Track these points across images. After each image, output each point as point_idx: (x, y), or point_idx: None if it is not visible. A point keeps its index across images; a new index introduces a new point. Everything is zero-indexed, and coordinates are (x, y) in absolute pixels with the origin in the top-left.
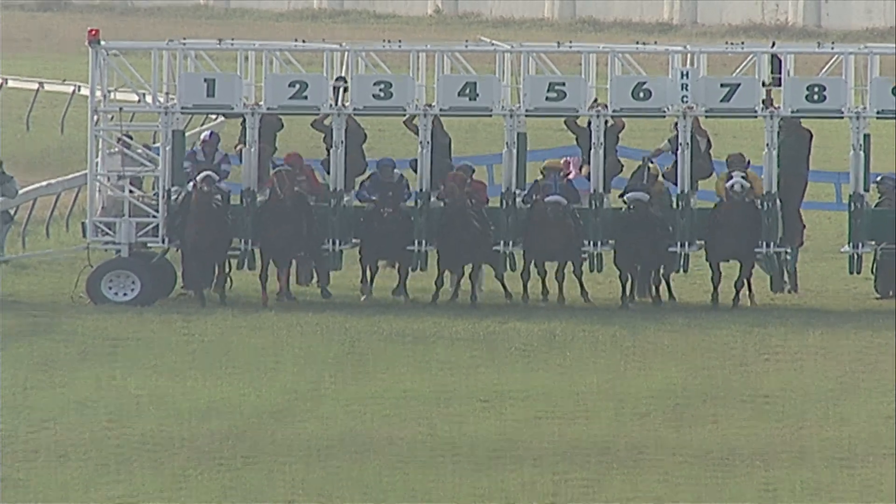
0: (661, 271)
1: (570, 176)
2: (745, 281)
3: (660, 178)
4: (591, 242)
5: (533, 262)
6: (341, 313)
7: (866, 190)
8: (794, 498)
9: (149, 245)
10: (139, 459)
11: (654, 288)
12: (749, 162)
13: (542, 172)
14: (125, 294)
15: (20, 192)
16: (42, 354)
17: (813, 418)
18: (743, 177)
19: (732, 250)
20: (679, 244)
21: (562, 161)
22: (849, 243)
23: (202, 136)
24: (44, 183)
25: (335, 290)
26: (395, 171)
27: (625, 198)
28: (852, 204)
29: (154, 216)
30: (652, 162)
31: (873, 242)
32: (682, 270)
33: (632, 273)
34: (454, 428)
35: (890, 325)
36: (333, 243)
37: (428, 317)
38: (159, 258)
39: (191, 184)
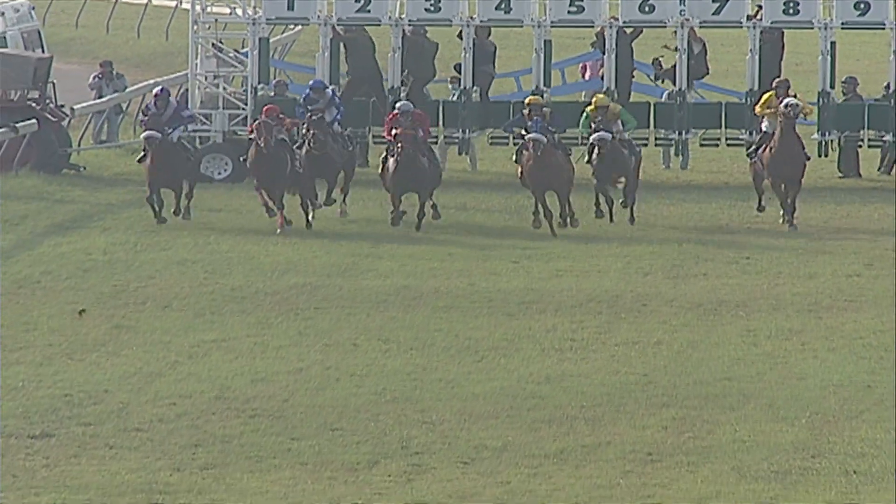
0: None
1: (587, 77)
2: (794, 197)
3: (612, 108)
4: (677, 132)
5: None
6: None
7: (832, 87)
8: (770, 341)
9: (238, 132)
10: (230, 308)
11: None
12: (789, 86)
13: (527, 106)
14: (219, 173)
15: (131, 88)
16: (149, 221)
17: (787, 274)
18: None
19: (788, 173)
20: (678, 133)
21: (580, 66)
22: (818, 132)
23: (154, 91)
24: (151, 81)
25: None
26: (327, 90)
27: (591, 139)
28: (820, 99)
29: (243, 108)
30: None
31: (836, 131)
32: (681, 157)
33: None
34: (490, 281)
35: (852, 199)
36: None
37: (469, 192)
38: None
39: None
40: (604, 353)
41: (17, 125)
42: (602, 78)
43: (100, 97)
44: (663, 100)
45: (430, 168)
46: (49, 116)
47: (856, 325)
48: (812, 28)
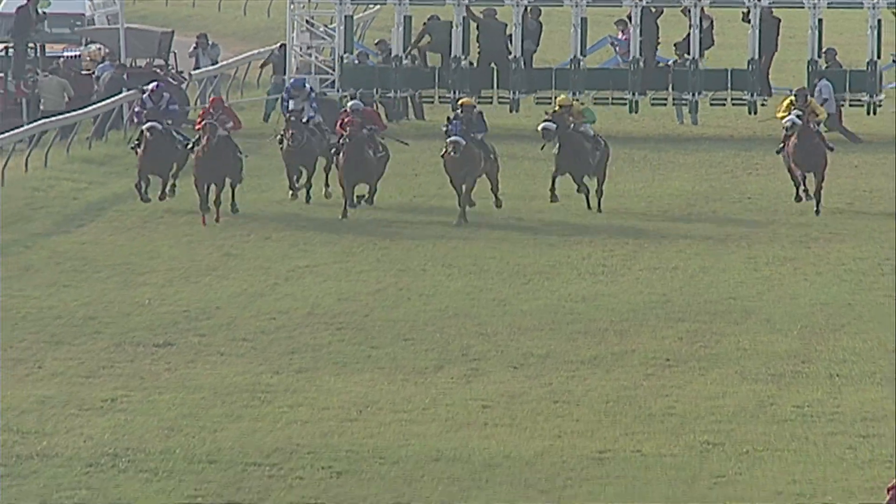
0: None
1: (621, 36)
2: (819, 184)
3: (575, 106)
4: (691, 93)
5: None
6: None
7: (819, 57)
8: (768, 266)
9: (326, 93)
10: (320, 239)
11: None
12: (807, 94)
13: (459, 107)
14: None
15: (238, 56)
16: (250, 168)
17: (782, 212)
18: (798, 115)
19: (808, 166)
20: (691, 94)
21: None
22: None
23: (150, 87)
24: (255, 51)
25: None
26: (306, 87)
27: (538, 128)
28: (808, 66)
29: (331, 73)
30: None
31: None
32: (692, 114)
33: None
34: (535, 217)
35: (837, 149)
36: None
37: (516, 144)
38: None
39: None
40: (629, 276)
41: (145, 87)
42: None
43: (196, 65)
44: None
45: (377, 160)
46: (171, 80)
47: (839, 254)
48: (803, 7)
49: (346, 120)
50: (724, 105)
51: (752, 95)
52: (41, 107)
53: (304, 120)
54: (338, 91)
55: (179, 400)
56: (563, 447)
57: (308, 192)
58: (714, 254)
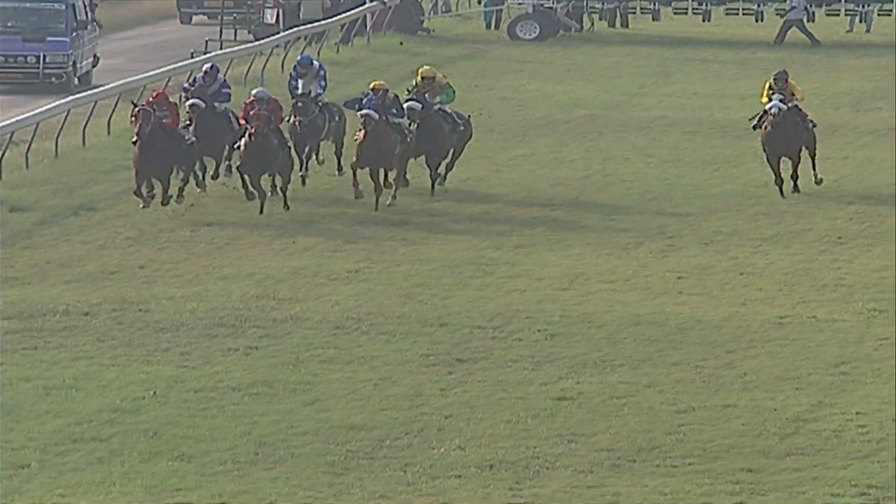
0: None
1: None
2: (795, 169)
3: (438, 79)
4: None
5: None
6: None
7: None
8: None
9: (544, 5)
10: (535, 132)
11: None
12: (787, 76)
13: (371, 90)
14: (529, 35)
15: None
16: (480, 73)
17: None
18: (781, 99)
19: (782, 151)
20: (861, 6)
21: None
22: None
23: (203, 68)
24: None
25: None
26: (314, 64)
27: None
28: None
29: None
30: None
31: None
32: (867, 23)
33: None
34: (725, 114)
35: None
36: None
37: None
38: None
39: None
40: (806, 163)
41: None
42: None
43: None
44: None
45: (282, 152)
46: None
47: None
48: None
49: (249, 108)
50: (889, 14)
51: None
52: (300, 16)
53: (312, 96)
54: None
55: (414, 271)
56: (747, 313)
57: (304, 169)
58: (879, 145)
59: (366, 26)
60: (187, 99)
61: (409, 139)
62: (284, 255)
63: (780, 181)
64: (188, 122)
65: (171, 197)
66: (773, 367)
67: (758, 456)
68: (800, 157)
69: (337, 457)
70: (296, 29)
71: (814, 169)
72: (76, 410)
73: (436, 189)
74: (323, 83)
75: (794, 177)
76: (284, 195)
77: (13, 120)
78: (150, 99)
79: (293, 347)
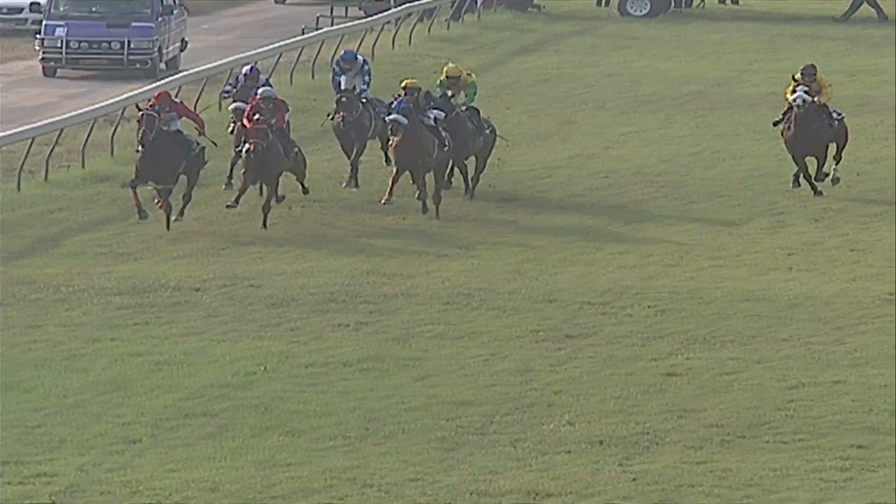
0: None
1: None
2: (819, 167)
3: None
4: None
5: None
6: None
7: None
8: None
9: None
10: (645, 108)
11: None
12: (815, 71)
13: (403, 90)
14: (639, 11)
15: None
16: (590, 45)
17: None
18: (806, 91)
19: (807, 150)
20: None
21: None
22: None
23: (243, 70)
24: None
25: None
26: (358, 59)
27: (386, 118)
28: None
29: None
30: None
31: None
32: None
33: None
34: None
35: None
36: None
37: None
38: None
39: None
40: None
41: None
42: None
43: None
44: None
45: (290, 155)
46: None
47: None
48: None
49: (255, 109)
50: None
51: None
52: None
53: (357, 92)
54: None
55: (523, 247)
56: (856, 289)
57: (353, 172)
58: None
59: (476, 2)
60: (231, 101)
61: (445, 142)
62: (394, 231)
63: (808, 177)
64: (231, 126)
65: (171, 207)
66: (882, 343)
67: (867, 432)
68: (825, 156)
69: (446, 432)
70: (406, 5)
71: (836, 164)
72: (187, 385)
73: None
74: (367, 78)
75: (818, 177)
76: (304, 187)
77: (126, 95)
78: (152, 101)
79: (403, 323)
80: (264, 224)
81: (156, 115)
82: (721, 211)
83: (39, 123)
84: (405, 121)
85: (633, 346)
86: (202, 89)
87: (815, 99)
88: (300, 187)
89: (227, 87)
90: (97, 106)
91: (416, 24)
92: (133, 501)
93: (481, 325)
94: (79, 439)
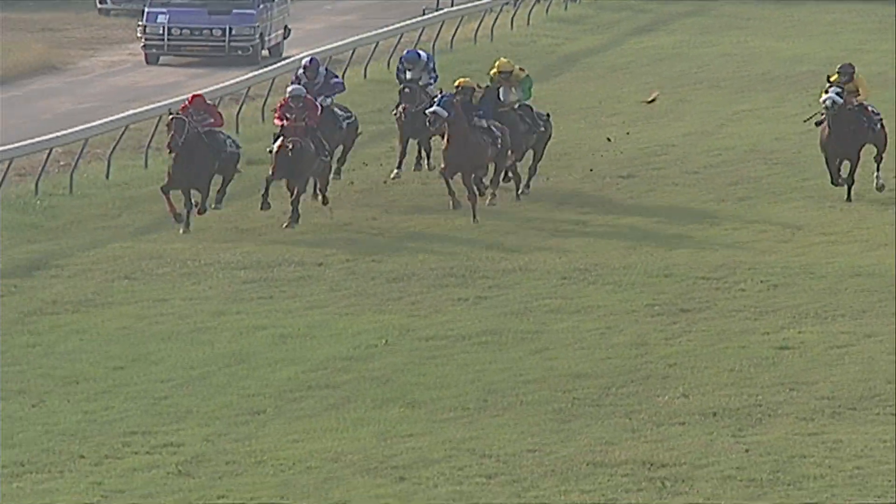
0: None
1: None
2: (853, 169)
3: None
4: None
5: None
6: None
7: None
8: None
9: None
10: (759, 87)
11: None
12: (853, 70)
13: (456, 89)
14: None
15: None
16: (704, 26)
17: None
18: (838, 92)
19: (842, 154)
20: None
21: None
22: None
23: (303, 62)
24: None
25: None
26: (421, 57)
27: (426, 111)
28: None
29: None
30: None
31: None
32: None
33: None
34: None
35: None
36: None
37: None
38: None
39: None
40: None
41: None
42: None
43: None
44: None
45: (318, 159)
46: None
47: None
48: None
49: (284, 108)
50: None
51: None
52: None
53: (422, 84)
54: None
55: (638, 223)
56: None
57: (421, 161)
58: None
59: None
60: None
61: (499, 142)
62: (512, 207)
63: (838, 181)
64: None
65: (206, 209)
66: None
67: None
68: (859, 158)
69: (563, 404)
70: None
71: (877, 170)
72: (310, 358)
73: (521, 193)
74: (433, 74)
75: (850, 181)
76: (324, 196)
77: (251, 75)
78: (186, 104)
79: (521, 297)
80: (289, 224)
81: (185, 119)
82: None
83: (165, 102)
84: (445, 113)
85: (746, 319)
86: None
87: (854, 99)
88: (320, 196)
89: (292, 81)
90: (222, 85)
91: (534, 4)
92: (257, 471)
93: (597, 300)
94: (204, 410)
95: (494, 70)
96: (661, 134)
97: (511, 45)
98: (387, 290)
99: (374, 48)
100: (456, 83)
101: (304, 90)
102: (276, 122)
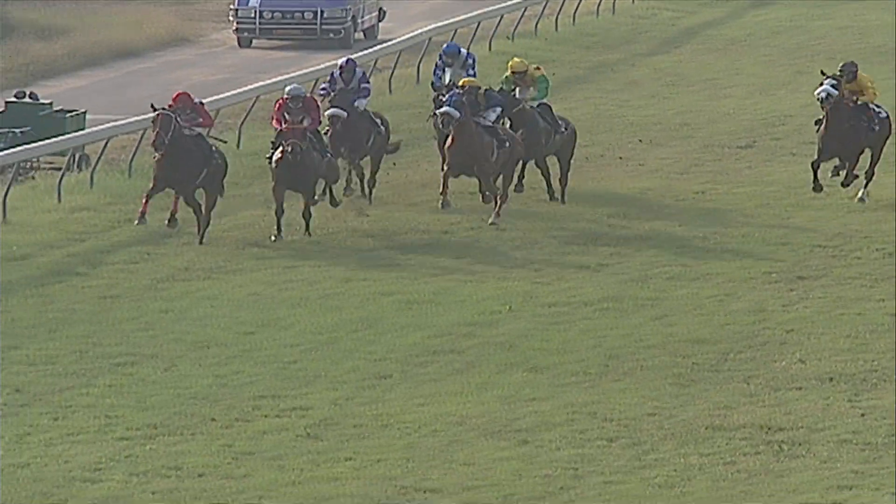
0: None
1: None
2: (850, 171)
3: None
4: None
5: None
6: None
7: None
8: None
9: None
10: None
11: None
12: (856, 69)
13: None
14: None
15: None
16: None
17: None
18: (833, 85)
19: (836, 151)
20: None
21: None
22: None
23: (339, 63)
24: None
25: None
26: (461, 53)
27: (437, 111)
28: None
29: None
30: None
31: None
32: None
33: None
34: None
35: None
36: None
37: None
38: None
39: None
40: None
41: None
42: None
43: None
44: None
45: (322, 162)
46: None
47: None
48: None
49: (283, 109)
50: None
51: None
52: None
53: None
54: None
55: (756, 192)
56: None
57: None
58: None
59: None
60: (328, 100)
61: (507, 144)
62: (633, 176)
63: (820, 186)
64: (327, 131)
65: (205, 213)
66: None
67: None
68: (857, 161)
69: (683, 369)
70: None
71: (867, 175)
72: (435, 324)
73: (553, 197)
74: (472, 72)
75: (846, 182)
76: (332, 197)
77: (384, 45)
78: (171, 102)
79: (641, 265)
80: (307, 231)
81: (172, 115)
82: None
83: (294, 74)
84: (457, 114)
85: (862, 287)
86: (396, 61)
87: (857, 99)
88: (328, 195)
89: (324, 85)
90: (319, 67)
91: None
92: (383, 434)
93: (716, 267)
94: (332, 374)
95: (508, 71)
96: (780, 104)
97: (632, 17)
98: (510, 257)
99: (499, 21)
100: (460, 83)
101: (303, 90)
102: (274, 124)
